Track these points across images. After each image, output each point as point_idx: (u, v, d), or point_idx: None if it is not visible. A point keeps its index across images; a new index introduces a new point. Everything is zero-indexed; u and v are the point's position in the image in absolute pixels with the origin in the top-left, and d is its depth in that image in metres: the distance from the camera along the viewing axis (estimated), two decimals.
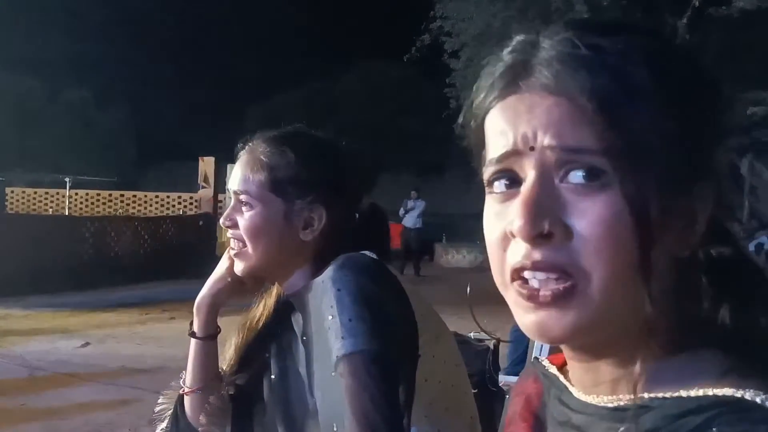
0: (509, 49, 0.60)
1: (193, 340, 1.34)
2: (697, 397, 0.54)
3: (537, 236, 0.54)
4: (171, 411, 1.37)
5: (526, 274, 0.55)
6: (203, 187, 16.24)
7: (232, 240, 1.28)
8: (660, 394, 0.56)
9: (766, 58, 9.45)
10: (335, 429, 1.10)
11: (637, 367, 0.57)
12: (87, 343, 6.79)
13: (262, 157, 1.27)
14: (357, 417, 1.04)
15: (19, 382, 5.35)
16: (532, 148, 0.55)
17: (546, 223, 0.53)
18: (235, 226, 1.26)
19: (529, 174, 0.55)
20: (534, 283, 0.55)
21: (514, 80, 0.57)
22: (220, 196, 16.73)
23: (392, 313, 1.13)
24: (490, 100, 0.60)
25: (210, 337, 1.34)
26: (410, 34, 12.78)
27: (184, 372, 1.37)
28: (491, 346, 3.29)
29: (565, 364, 0.67)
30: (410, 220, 15.54)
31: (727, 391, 0.53)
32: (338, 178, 1.29)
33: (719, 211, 0.58)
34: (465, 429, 1.26)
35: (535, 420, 0.72)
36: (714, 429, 0.51)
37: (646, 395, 0.56)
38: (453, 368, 1.26)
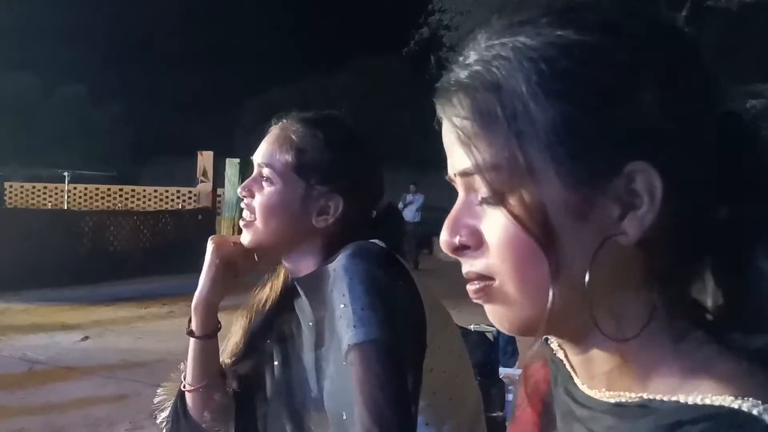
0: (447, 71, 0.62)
1: (192, 340, 1.32)
2: (695, 406, 0.53)
3: (455, 249, 0.60)
4: (171, 402, 1.36)
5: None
6: (202, 182, 16.21)
7: (244, 210, 1.28)
8: (659, 396, 0.55)
9: (764, 51, 9.45)
10: (344, 417, 1.10)
11: (633, 362, 0.57)
12: (86, 337, 6.80)
13: (293, 136, 1.26)
14: (367, 406, 1.03)
15: (18, 377, 5.36)
16: (455, 174, 0.61)
17: (458, 238, 0.60)
18: (251, 196, 1.26)
19: (460, 193, 0.61)
20: (468, 287, 0.61)
21: (437, 100, 0.62)
22: (219, 191, 16.72)
23: (403, 303, 1.13)
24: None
25: (209, 336, 1.32)
26: (408, 28, 12.77)
27: (183, 364, 1.36)
28: (491, 338, 3.30)
29: None
30: (409, 214, 15.55)
31: (725, 400, 0.51)
32: (362, 171, 1.29)
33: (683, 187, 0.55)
34: (468, 419, 1.26)
35: (543, 405, 0.73)
36: None
37: (644, 395, 0.56)
38: (457, 359, 1.26)
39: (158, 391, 1.39)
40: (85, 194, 21.06)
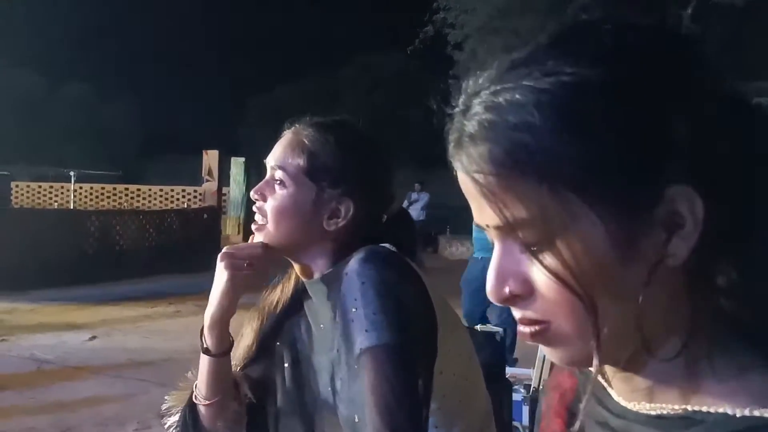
0: (452, 121, 0.60)
1: (207, 358, 1.28)
2: (744, 417, 0.52)
3: (505, 299, 0.58)
4: (179, 409, 1.34)
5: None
6: (207, 181, 16.24)
7: (256, 214, 1.28)
8: (704, 408, 0.55)
9: None
10: (356, 420, 1.10)
11: (676, 376, 0.57)
12: (94, 337, 6.83)
13: (305, 140, 1.27)
14: (379, 409, 1.04)
15: (27, 376, 5.39)
16: (486, 226, 0.59)
17: (507, 288, 0.57)
18: (263, 199, 1.26)
19: (495, 242, 0.59)
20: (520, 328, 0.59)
21: (451, 154, 0.59)
22: (224, 189, 16.75)
23: (415, 307, 1.13)
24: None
25: (225, 353, 1.29)
26: (413, 26, 12.76)
27: (191, 373, 1.35)
28: (498, 339, 3.31)
29: None
30: (414, 213, 15.55)
31: None
32: (373, 175, 1.29)
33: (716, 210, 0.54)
34: (478, 422, 1.26)
35: (569, 415, 0.72)
36: None
37: (689, 407, 0.56)
38: (467, 361, 1.26)
39: (166, 398, 1.38)
40: (91, 194, 21.12)
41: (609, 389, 0.64)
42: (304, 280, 1.30)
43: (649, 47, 0.55)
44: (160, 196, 20.20)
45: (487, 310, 5.41)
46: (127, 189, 21.13)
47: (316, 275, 1.27)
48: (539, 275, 0.56)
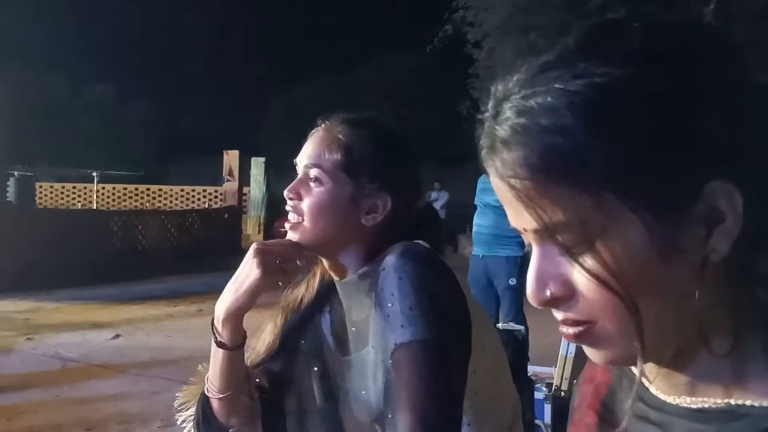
0: (482, 126, 0.59)
1: (221, 351, 1.26)
2: None
3: (546, 303, 0.58)
4: (192, 405, 1.34)
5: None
6: (228, 181, 16.34)
7: (290, 213, 1.26)
8: (748, 402, 0.54)
9: None
10: (389, 417, 1.09)
11: (718, 370, 0.57)
12: (117, 335, 6.90)
13: (340, 136, 1.25)
14: (412, 406, 1.03)
15: (52, 374, 5.45)
16: (524, 230, 0.59)
17: (548, 291, 0.57)
18: (298, 198, 1.25)
19: (533, 244, 0.59)
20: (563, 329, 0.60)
21: (484, 160, 0.59)
22: (245, 189, 16.83)
23: (451, 305, 1.12)
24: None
25: (240, 346, 1.28)
26: (432, 25, 12.73)
27: (201, 367, 1.35)
28: (520, 337, 3.30)
29: None
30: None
31: None
32: (407, 168, 1.29)
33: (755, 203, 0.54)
34: (507, 419, 1.26)
35: (603, 408, 0.72)
36: None
37: (732, 401, 0.55)
38: (498, 359, 1.26)
39: (177, 394, 1.39)
40: (114, 194, 21.31)
41: (647, 383, 0.64)
42: (336, 279, 1.28)
43: (677, 45, 0.55)
44: (182, 196, 20.34)
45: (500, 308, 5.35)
46: (148, 189, 21.28)
47: (350, 273, 1.25)
48: (580, 277, 0.56)
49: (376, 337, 1.15)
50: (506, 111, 0.56)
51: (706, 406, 0.57)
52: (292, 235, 1.25)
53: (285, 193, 1.26)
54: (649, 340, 0.55)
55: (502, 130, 0.56)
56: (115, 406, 4.66)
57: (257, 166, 16.94)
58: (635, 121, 0.52)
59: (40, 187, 20.78)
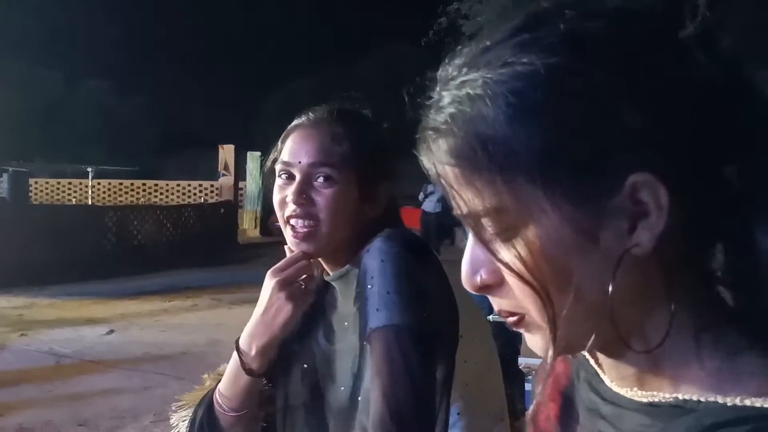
0: (425, 111, 0.59)
1: (246, 377, 1.22)
2: (735, 407, 0.51)
3: (478, 289, 0.59)
4: (187, 408, 1.32)
5: None
6: (223, 175, 16.35)
7: (297, 220, 1.18)
8: (695, 397, 0.54)
9: None
10: (360, 399, 1.09)
11: (666, 363, 0.56)
12: (111, 331, 6.88)
13: (339, 129, 1.19)
14: (383, 391, 1.02)
15: (45, 370, 5.44)
16: (459, 216, 0.59)
17: (478, 277, 0.58)
18: (311, 203, 1.17)
19: (469, 232, 0.59)
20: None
21: (418, 145, 0.60)
22: (241, 184, 16.83)
23: (433, 291, 1.10)
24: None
25: (267, 370, 1.25)
26: (427, 18, 12.72)
27: (207, 375, 1.33)
28: (510, 328, 3.29)
29: None
30: (430, 205, 15.52)
31: (765, 402, 0.50)
32: (392, 153, 1.26)
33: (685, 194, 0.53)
34: (496, 410, 1.25)
35: (563, 399, 0.71)
36: None
37: (680, 395, 0.55)
38: (489, 350, 1.25)
39: (176, 397, 1.36)
40: (109, 189, 21.32)
41: (602, 375, 0.63)
42: (329, 276, 1.25)
43: (602, 34, 0.54)
44: (177, 191, 20.35)
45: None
46: (144, 184, 21.29)
47: (344, 264, 1.22)
48: (505, 269, 0.56)
49: (356, 321, 1.13)
50: (444, 98, 0.57)
51: (656, 400, 0.57)
52: (306, 246, 1.19)
53: (293, 198, 1.17)
54: (565, 331, 0.55)
55: (438, 118, 0.56)
56: (107, 401, 4.65)
57: (253, 160, 16.93)
58: (554, 111, 0.52)
59: (35, 183, 20.79)
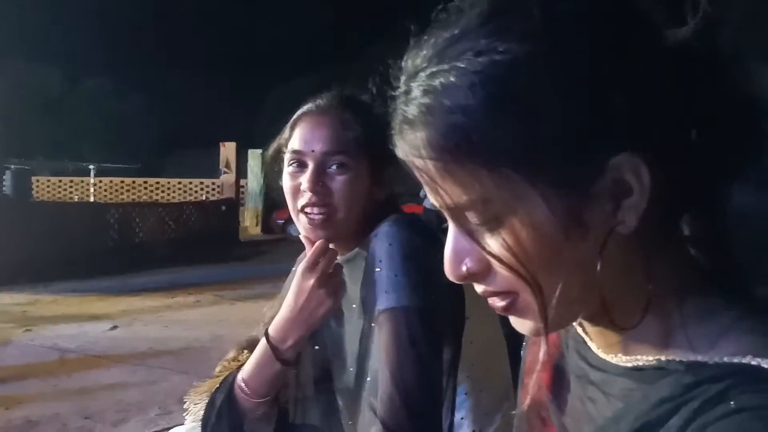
0: (394, 103, 0.59)
1: (279, 365, 1.24)
2: (714, 365, 0.53)
3: (464, 278, 0.59)
4: (201, 395, 1.34)
5: None
6: (225, 173, 16.35)
7: (313, 208, 1.20)
8: (676, 358, 0.56)
9: None
10: (369, 379, 1.11)
11: (649, 329, 0.58)
12: (115, 327, 6.91)
13: (349, 115, 1.21)
14: (391, 370, 1.04)
15: (50, 365, 5.47)
16: (439, 207, 0.59)
17: (464, 267, 0.59)
18: (327, 192, 1.19)
19: (449, 223, 0.60)
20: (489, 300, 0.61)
21: (394, 138, 0.60)
22: (242, 181, 16.83)
23: (440, 274, 1.13)
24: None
25: (299, 358, 1.28)
26: (427, 16, 12.71)
27: (221, 365, 1.34)
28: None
29: None
30: (430, 201, 15.52)
31: (744, 358, 0.51)
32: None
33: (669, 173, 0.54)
34: (501, 390, 1.27)
35: (554, 369, 0.73)
36: (732, 402, 0.49)
37: (662, 357, 0.56)
38: (494, 331, 1.26)
39: (195, 383, 1.38)
40: (111, 187, 21.31)
41: (589, 342, 0.65)
42: (338, 259, 1.26)
43: (576, 18, 0.53)
44: (179, 188, 20.34)
45: None
46: (146, 182, 21.28)
47: (354, 248, 1.24)
48: (492, 257, 0.56)
49: (364, 303, 1.16)
50: (414, 90, 0.56)
51: (639, 363, 0.58)
52: (322, 232, 1.21)
53: (309, 186, 1.19)
54: (556, 313, 0.56)
55: (409, 111, 0.56)
56: (112, 395, 4.68)
57: (254, 158, 16.93)
58: (534, 98, 0.52)
59: (37, 180, 20.77)
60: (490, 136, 0.52)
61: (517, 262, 0.54)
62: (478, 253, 0.57)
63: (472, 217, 0.56)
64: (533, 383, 0.75)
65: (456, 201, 0.55)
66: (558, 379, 0.72)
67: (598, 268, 0.54)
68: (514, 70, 0.52)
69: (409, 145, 0.56)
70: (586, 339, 0.66)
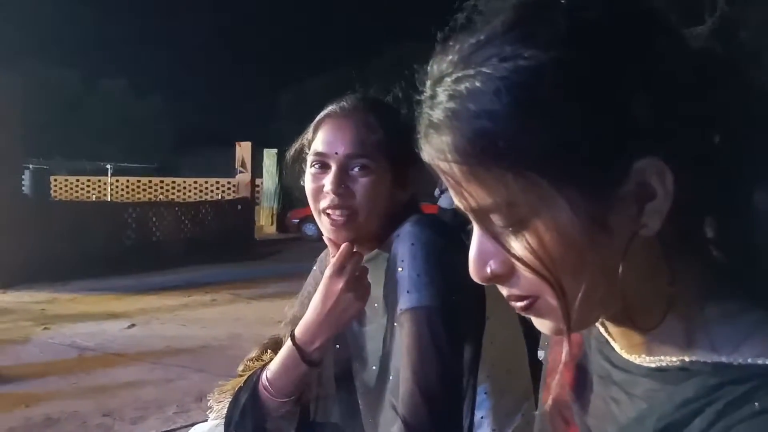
0: (420, 107, 0.59)
1: (305, 366, 1.24)
2: (738, 366, 0.53)
3: (488, 280, 0.60)
4: (225, 394, 1.35)
5: None
6: (240, 172, 16.41)
7: (336, 210, 1.20)
8: (701, 359, 0.55)
9: None
10: (392, 379, 1.11)
11: (672, 331, 0.58)
12: (132, 325, 6.96)
13: (372, 118, 1.21)
14: (412, 370, 1.04)
15: (69, 363, 5.52)
16: (463, 209, 0.60)
17: (488, 269, 0.59)
18: (349, 193, 1.20)
19: (474, 225, 0.60)
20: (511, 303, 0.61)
21: (419, 142, 0.60)
22: (258, 181, 16.89)
23: (461, 274, 1.12)
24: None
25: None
26: (443, 15, 12.70)
27: (243, 365, 1.35)
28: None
29: None
30: (445, 201, 15.43)
31: (767, 360, 0.52)
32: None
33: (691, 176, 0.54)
34: (521, 390, 1.27)
35: (577, 368, 0.73)
36: (756, 404, 0.49)
37: (686, 358, 0.56)
38: (515, 332, 1.26)
39: (219, 382, 1.39)
40: (128, 186, 21.46)
41: (612, 343, 0.65)
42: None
43: (602, 23, 0.53)
44: (195, 187, 20.45)
45: None
46: (162, 181, 21.41)
47: (375, 248, 1.25)
48: (516, 260, 0.57)
49: (387, 302, 1.16)
50: (440, 95, 0.56)
51: (663, 364, 0.58)
52: (345, 233, 1.21)
53: (332, 188, 1.19)
54: (578, 315, 0.56)
55: (435, 115, 0.56)
56: (131, 393, 4.72)
57: (270, 157, 17.00)
58: (560, 103, 0.52)
59: (55, 180, 20.96)
60: (515, 140, 0.52)
61: (541, 264, 0.55)
62: (502, 255, 0.58)
63: (497, 220, 0.56)
64: (556, 383, 0.75)
65: (481, 204, 0.56)
66: (581, 379, 0.72)
67: (621, 271, 0.55)
68: (539, 75, 0.52)
69: (435, 149, 0.57)
70: (609, 339, 0.66)
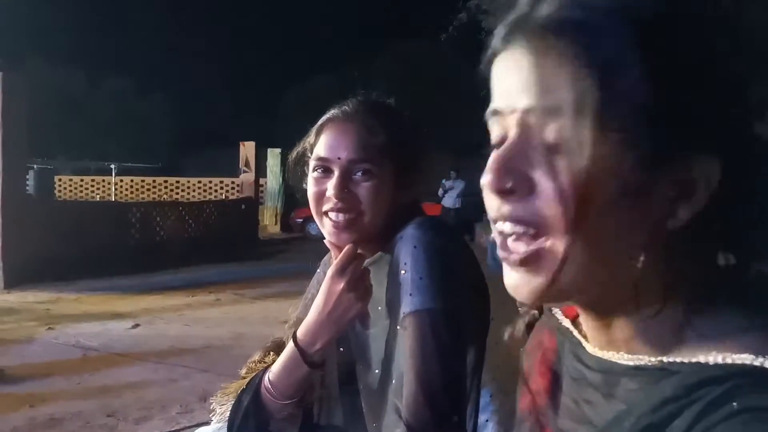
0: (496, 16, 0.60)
1: (308, 368, 1.24)
2: (717, 365, 0.52)
3: (501, 192, 0.56)
4: (227, 395, 1.34)
5: (498, 226, 0.58)
6: (244, 172, 16.42)
7: (338, 214, 1.20)
8: (679, 359, 0.55)
9: None
10: (394, 382, 1.10)
11: (654, 329, 0.58)
12: (137, 325, 6.97)
13: (374, 121, 1.21)
14: (415, 372, 1.04)
15: (73, 363, 5.52)
16: (513, 110, 0.57)
17: (510, 182, 0.56)
18: (352, 197, 1.20)
19: (511, 132, 0.57)
20: (507, 242, 0.58)
21: (510, 34, 0.58)
22: (261, 180, 16.90)
23: (464, 276, 1.12)
24: (491, 51, 0.61)
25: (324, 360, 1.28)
26: (447, 13, 12.68)
27: (246, 367, 1.35)
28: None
29: (578, 316, 0.67)
30: (449, 200, 15.52)
31: (746, 358, 0.51)
32: (424, 139, 1.29)
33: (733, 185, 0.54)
34: None
35: (552, 375, 0.72)
36: (735, 404, 0.49)
37: (665, 358, 0.56)
38: None
39: (222, 385, 1.38)
40: (132, 186, 21.50)
41: (585, 343, 0.65)
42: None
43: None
44: (199, 187, 20.47)
45: None
46: (166, 181, 21.44)
47: (377, 251, 1.25)
48: (554, 177, 0.54)
49: (390, 305, 1.16)
50: None
51: (642, 363, 0.58)
52: (347, 236, 1.21)
53: (335, 193, 1.19)
54: (571, 276, 0.55)
55: (549, 10, 0.56)
56: (135, 393, 4.72)
57: (273, 156, 17.01)
58: (670, 53, 0.52)
59: (59, 179, 21.00)
60: (620, 69, 0.52)
61: (573, 194, 0.53)
62: (528, 172, 0.55)
63: (550, 131, 0.54)
64: (532, 389, 0.74)
65: (565, 101, 0.53)
66: (555, 383, 0.71)
67: (642, 258, 0.54)
68: (663, 11, 0.53)
69: (535, 37, 0.55)
70: (582, 341, 0.66)
